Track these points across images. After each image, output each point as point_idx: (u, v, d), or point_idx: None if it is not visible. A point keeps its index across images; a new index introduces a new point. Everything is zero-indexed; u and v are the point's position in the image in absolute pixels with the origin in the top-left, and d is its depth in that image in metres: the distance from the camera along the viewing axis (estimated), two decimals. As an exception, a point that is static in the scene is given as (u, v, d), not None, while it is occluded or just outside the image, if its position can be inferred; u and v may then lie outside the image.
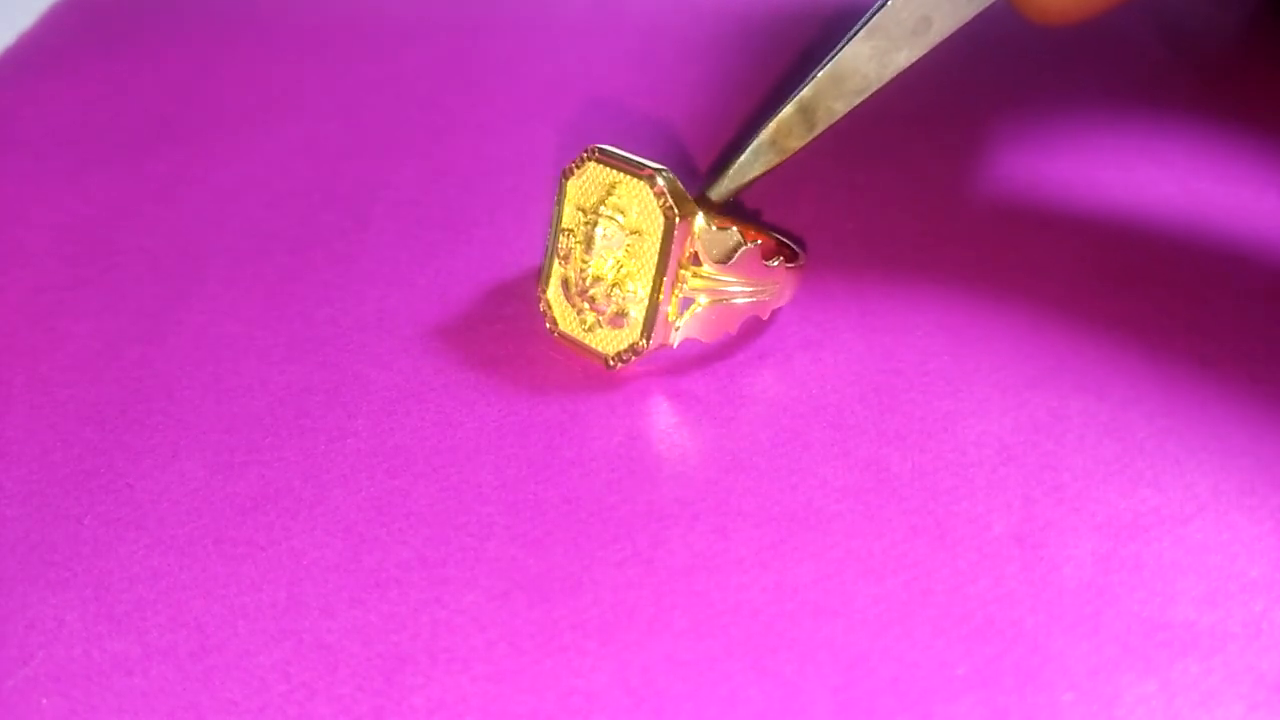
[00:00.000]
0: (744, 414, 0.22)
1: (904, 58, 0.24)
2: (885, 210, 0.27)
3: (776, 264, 0.23)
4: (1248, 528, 0.20)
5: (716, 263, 0.22)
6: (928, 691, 0.18)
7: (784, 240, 0.25)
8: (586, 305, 0.23)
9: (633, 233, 0.22)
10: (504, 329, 0.24)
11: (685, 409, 0.22)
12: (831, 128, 0.24)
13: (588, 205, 0.23)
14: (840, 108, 0.24)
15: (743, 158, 0.25)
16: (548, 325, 0.24)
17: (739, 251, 0.22)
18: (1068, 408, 0.22)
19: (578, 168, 0.23)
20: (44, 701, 0.18)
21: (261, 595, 0.19)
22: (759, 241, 0.23)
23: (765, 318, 0.24)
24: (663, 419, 0.22)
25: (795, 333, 0.24)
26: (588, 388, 0.23)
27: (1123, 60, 0.33)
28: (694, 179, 0.28)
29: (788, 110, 0.24)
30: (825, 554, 0.20)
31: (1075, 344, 0.23)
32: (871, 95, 0.24)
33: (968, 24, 0.24)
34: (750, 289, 0.22)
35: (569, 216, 0.23)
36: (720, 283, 0.22)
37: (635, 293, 0.22)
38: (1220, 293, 0.24)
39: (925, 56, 0.24)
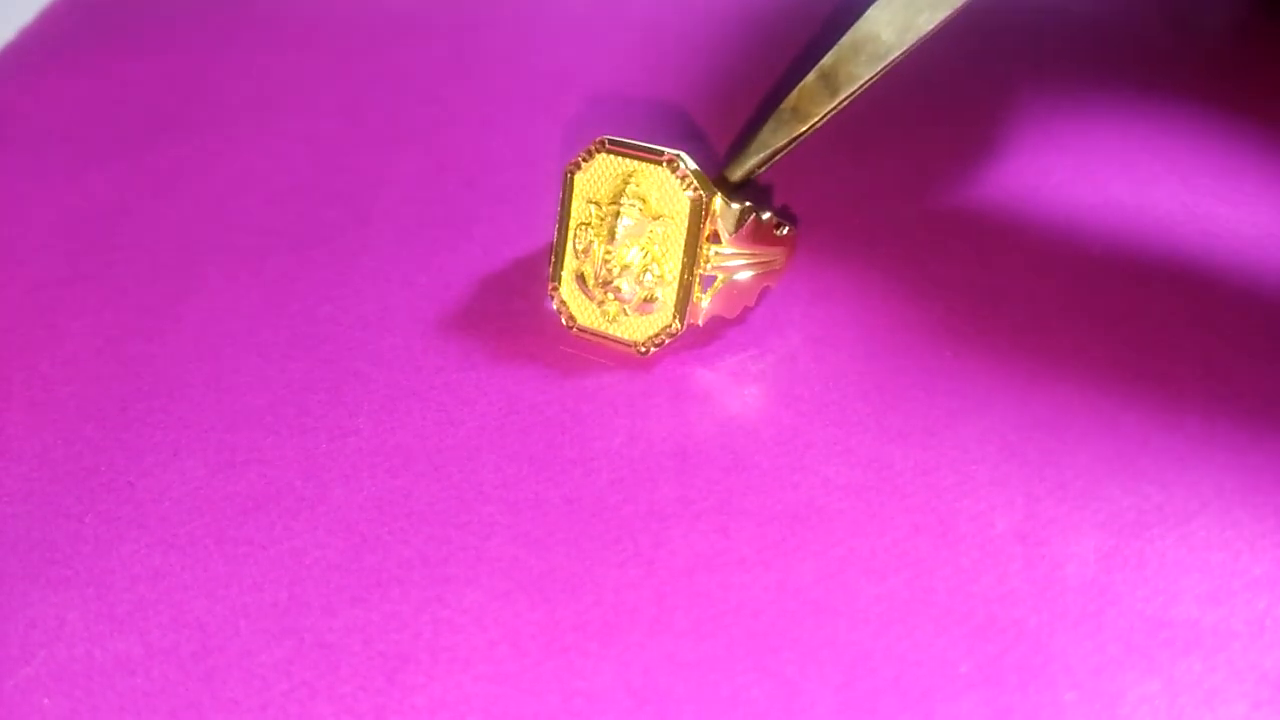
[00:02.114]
0: (745, 412, 0.22)
1: (925, 20, 0.23)
2: (888, 206, 0.27)
3: (785, 232, 0.23)
4: (1251, 525, 0.20)
5: (732, 237, 0.22)
6: (930, 690, 0.18)
7: (775, 212, 0.25)
8: (610, 296, 0.23)
9: (655, 218, 0.22)
10: (506, 326, 0.24)
11: (687, 408, 0.22)
12: (845, 113, 0.24)
13: (602, 197, 0.23)
14: (863, 73, 0.24)
15: (764, 130, 0.24)
16: (565, 322, 0.24)
17: (748, 221, 0.22)
18: (1071, 405, 0.22)
19: (585, 161, 0.23)
20: (46, 701, 0.18)
21: (263, 594, 0.19)
22: (768, 214, 0.23)
23: (774, 286, 0.24)
24: (664, 418, 0.22)
25: (797, 330, 0.24)
26: (590, 387, 0.23)
27: (1127, 52, 0.33)
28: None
29: (810, 78, 0.24)
30: (827, 553, 0.20)
31: (1078, 340, 0.23)
32: (894, 62, 0.24)
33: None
34: (764, 259, 0.23)
35: (580, 211, 0.23)
36: (738, 256, 0.23)
37: (663, 277, 0.22)
38: (1223, 289, 0.24)
39: (921, 48, 0.24)
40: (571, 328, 0.24)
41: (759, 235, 0.23)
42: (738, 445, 0.21)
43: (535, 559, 0.20)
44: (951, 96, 0.31)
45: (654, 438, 0.22)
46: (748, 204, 0.23)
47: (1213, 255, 0.25)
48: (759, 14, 0.35)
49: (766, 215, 0.23)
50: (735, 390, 0.23)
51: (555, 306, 0.24)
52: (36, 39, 0.36)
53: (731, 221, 0.22)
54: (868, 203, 0.27)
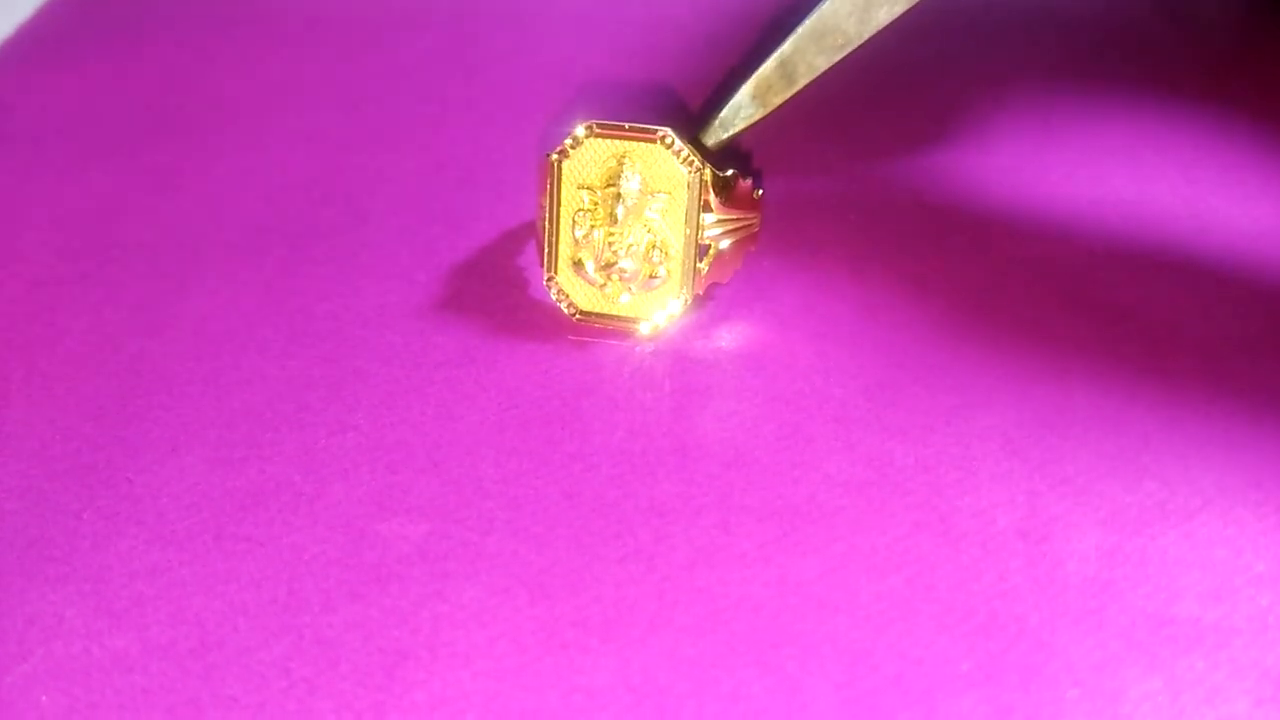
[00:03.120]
0: (746, 408, 0.22)
1: (884, 14, 0.24)
2: (888, 201, 0.27)
3: (760, 194, 0.24)
4: (1253, 523, 0.20)
5: (721, 204, 0.23)
6: (931, 687, 0.18)
7: (751, 175, 0.26)
8: (615, 277, 0.23)
9: (654, 194, 0.23)
10: (506, 322, 0.24)
11: (687, 403, 0.22)
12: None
13: (595, 181, 0.23)
14: (821, 63, 0.25)
15: (724, 112, 0.25)
16: (566, 309, 0.24)
17: (733, 187, 0.23)
18: (1073, 401, 0.22)
19: (573, 147, 0.23)
20: (44, 698, 0.18)
21: (261, 591, 0.19)
22: (749, 178, 0.24)
23: (754, 248, 0.25)
24: (664, 414, 0.22)
25: (799, 325, 0.24)
26: (590, 382, 0.23)
27: (1127, 47, 0.33)
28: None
29: (769, 66, 0.25)
30: (828, 549, 0.19)
31: (1080, 337, 0.23)
32: (852, 52, 0.24)
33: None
34: (746, 223, 0.24)
35: (573, 197, 0.23)
36: (726, 222, 0.23)
37: (668, 251, 0.23)
38: (1226, 286, 0.24)
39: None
40: (574, 315, 0.24)
41: (742, 200, 0.24)
42: (738, 441, 0.21)
43: (535, 555, 0.20)
44: (952, 93, 0.31)
45: (654, 433, 0.22)
46: (731, 171, 0.23)
47: (1214, 251, 0.25)
48: (760, 9, 0.35)
49: (747, 180, 0.24)
50: (736, 386, 0.23)
51: (554, 296, 0.24)
52: (33, 36, 0.36)
53: (720, 189, 0.23)
54: (868, 199, 0.27)
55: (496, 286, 0.25)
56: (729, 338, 0.24)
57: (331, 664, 0.18)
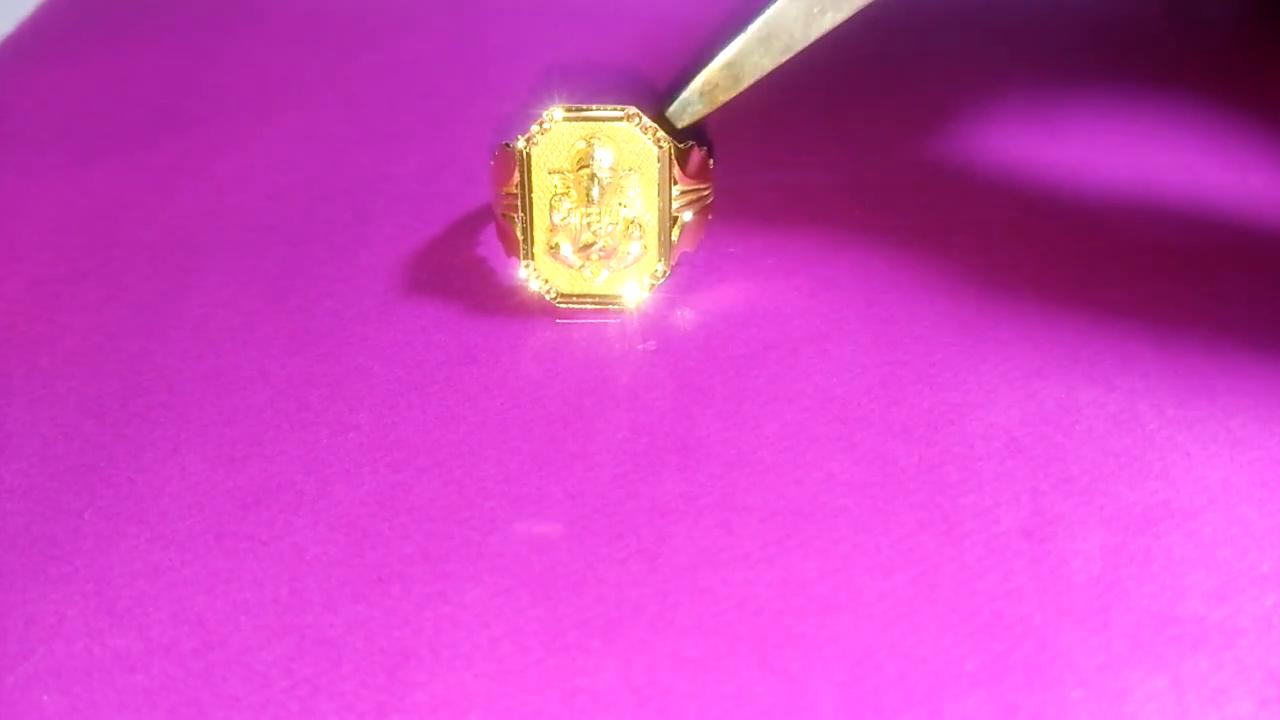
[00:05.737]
0: (749, 407, 0.22)
1: (829, 20, 0.24)
2: (891, 200, 0.27)
3: (712, 164, 0.25)
4: (1258, 521, 0.20)
5: (683, 175, 0.24)
6: (935, 687, 0.17)
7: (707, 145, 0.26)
8: (596, 257, 0.24)
9: (627, 172, 0.23)
10: (507, 320, 0.24)
11: (690, 403, 0.22)
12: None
13: (564, 165, 0.23)
14: (767, 65, 0.25)
15: (672, 107, 0.26)
16: (547, 295, 0.24)
17: (694, 158, 0.24)
18: (1077, 399, 0.22)
19: (542, 133, 0.23)
20: (45, 698, 0.18)
21: (263, 590, 0.19)
22: (706, 148, 0.24)
23: (713, 217, 0.25)
24: (667, 413, 0.22)
25: (801, 325, 0.24)
26: (592, 382, 0.23)
27: (1131, 46, 0.33)
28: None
29: (715, 66, 0.25)
30: (831, 549, 0.19)
31: (1084, 334, 0.23)
32: (797, 54, 0.25)
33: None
34: (705, 191, 0.24)
35: (545, 183, 0.23)
36: (689, 193, 0.24)
37: (644, 226, 0.23)
38: (1231, 283, 0.24)
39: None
40: (555, 298, 0.24)
41: (699, 170, 0.24)
42: (741, 440, 0.21)
43: (537, 555, 0.20)
44: (956, 90, 0.31)
45: (657, 432, 0.22)
46: (691, 142, 0.24)
47: (1221, 250, 0.25)
48: (761, 5, 0.35)
49: (706, 149, 0.24)
50: (738, 385, 0.23)
51: (538, 285, 0.24)
52: (34, 34, 0.36)
53: (682, 160, 0.23)
54: (871, 197, 0.27)
55: (498, 285, 0.25)
56: (731, 337, 0.24)
57: (334, 664, 0.18)
